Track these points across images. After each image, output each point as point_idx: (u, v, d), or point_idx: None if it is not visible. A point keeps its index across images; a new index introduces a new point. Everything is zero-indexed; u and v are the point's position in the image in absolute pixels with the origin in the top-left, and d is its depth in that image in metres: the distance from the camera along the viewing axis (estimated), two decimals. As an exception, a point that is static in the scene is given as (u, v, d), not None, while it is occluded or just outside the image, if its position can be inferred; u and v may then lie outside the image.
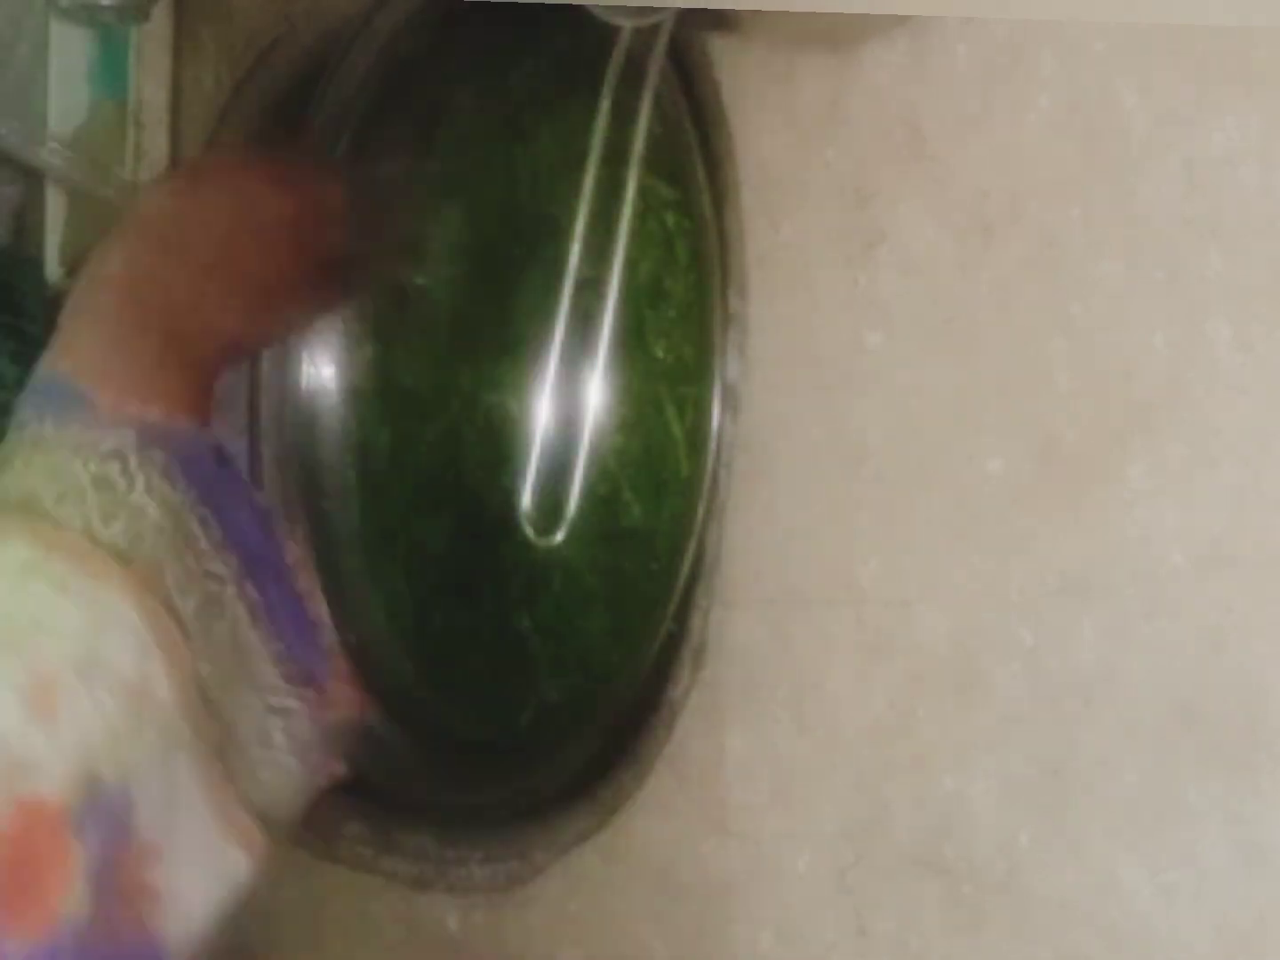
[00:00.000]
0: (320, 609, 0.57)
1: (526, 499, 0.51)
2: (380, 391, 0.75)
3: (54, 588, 0.49)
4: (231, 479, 0.55)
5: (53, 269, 0.83)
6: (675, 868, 0.58)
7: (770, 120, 0.53)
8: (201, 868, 0.51)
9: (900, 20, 0.49)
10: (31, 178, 0.87)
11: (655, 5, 0.51)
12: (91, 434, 0.52)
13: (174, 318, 0.56)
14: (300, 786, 0.55)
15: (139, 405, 0.53)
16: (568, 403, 0.52)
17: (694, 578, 0.56)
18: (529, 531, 0.51)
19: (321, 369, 0.75)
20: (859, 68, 0.50)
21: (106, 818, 0.47)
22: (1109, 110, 0.44)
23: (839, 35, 0.50)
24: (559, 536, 0.51)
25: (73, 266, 0.83)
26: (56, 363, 0.54)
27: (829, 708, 0.52)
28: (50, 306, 0.85)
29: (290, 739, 0.54)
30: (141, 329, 0.55)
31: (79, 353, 0.54)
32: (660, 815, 0.58)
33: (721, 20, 0.54)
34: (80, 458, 0.52)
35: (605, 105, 0.52)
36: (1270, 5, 0.36)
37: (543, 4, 0.53)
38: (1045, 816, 0.46)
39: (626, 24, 0.52)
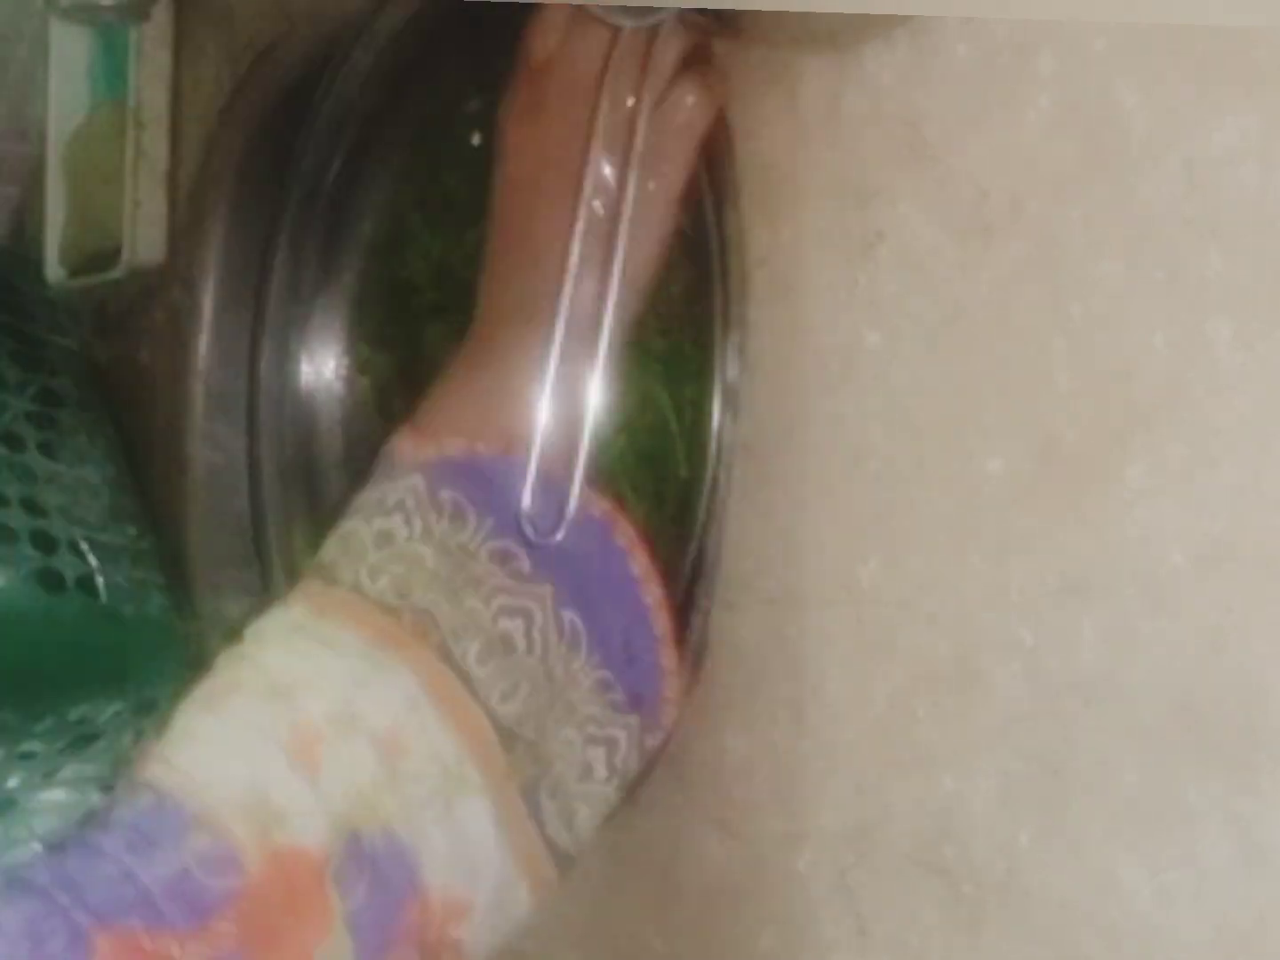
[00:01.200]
0: (666, 624, 0.53)
1: (527, 499, 0.51)
2: (381, 393, 0.75)
3: (320, 644, 0.48)
4: (550, 496, 0.52)
5: (53, 269, 0.83)
6: (675, 868, 0.58)
7: (770, 120, 0.53)
8: (498, 913, 0.50)
9: (900, 20, 0.49)
10: (32, 178, 0.87)
11: (655, 5, 0.51)
12: (380, 490, 0.52)
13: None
14: (608, 815, 0.53)
15: (435, 445, 0.52)
16: (568, 402, 0.52)
17: (694, 578, 0.56)
18: (529, 531, 0.51)
19: (321, 370, 0.75)
20: (859, 68, 0.50)
21: (372, 869, 0.46)
22: (1109, 110, 0.44)
23: (839, 35, 0.50)
24: (559, 536, 0.51)
25: (73, 267, 0.83)
26: (406, 424, 0.54)
27: (829, 708, 0.52)
28: (50, 306, 0.85)
29: (612, 770, 0.52)
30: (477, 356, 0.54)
31: (420, 410, 0.54)
32: (660, 815, 0.58)
33: (721, 20, 0.54)
34: (366, 518, 0.51)
35: (605, 105, 0.52)
36: (1270, 5, 0.36)
37: (543, 4, 0.53)
38: (1045, 816, 0.46)
39: (626, 24, 0.52)
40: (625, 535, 0.53)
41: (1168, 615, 0.43)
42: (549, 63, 0.53)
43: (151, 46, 0.78)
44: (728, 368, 0.54)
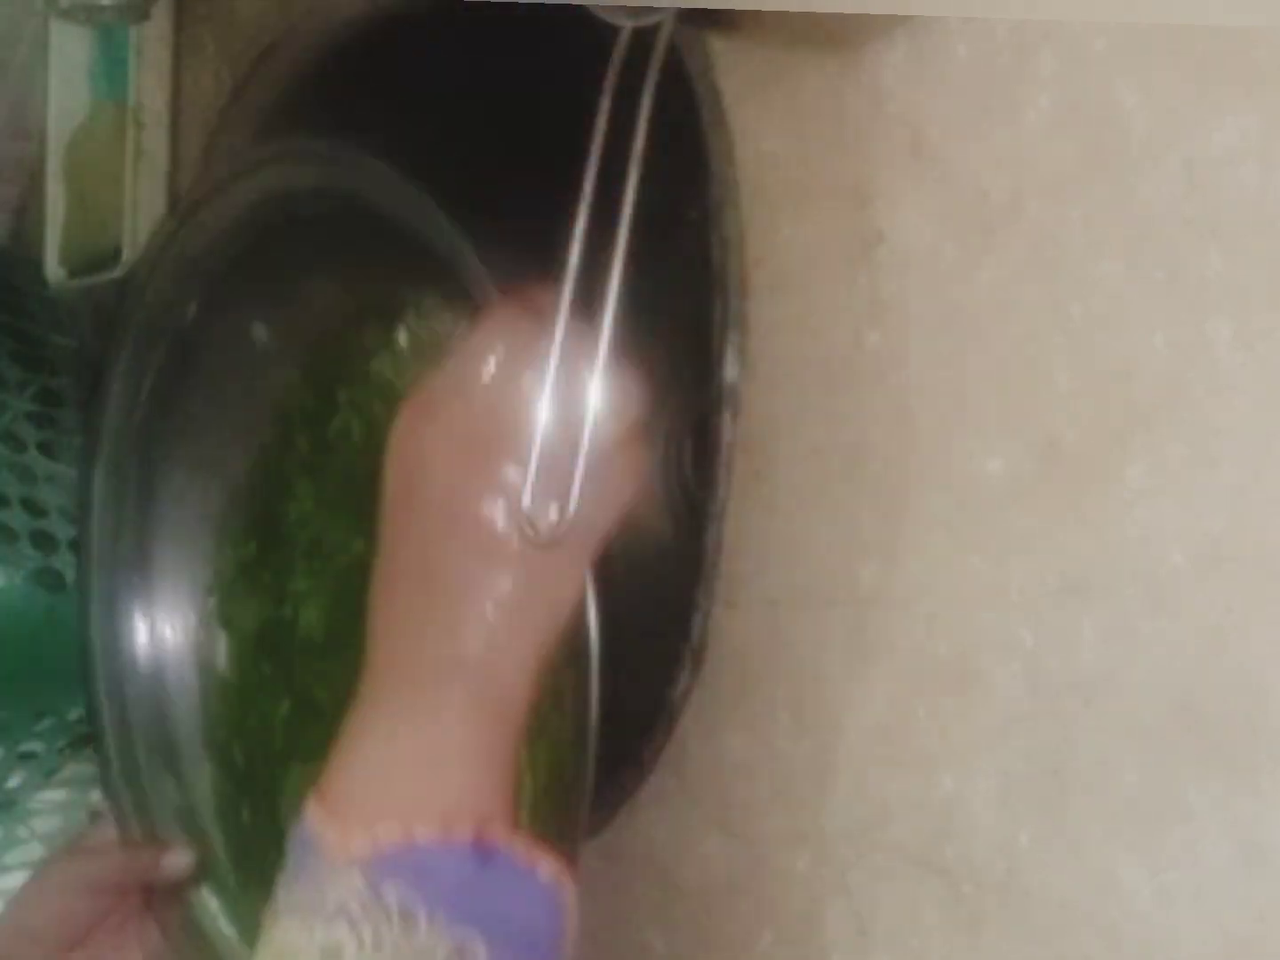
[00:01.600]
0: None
1: (527, 498, 0.51)
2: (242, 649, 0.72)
3: None
4: (498, 871, 0.48)
5: (53, 269, 0.83)
6: (675, 868, 0.58)
7: (770, 120, 0.53)
8: None
9: (900, 20, 0.49)
10: (32, 178, 0.87)
11: (655, 5, 0.51)
12: (316, 893, 0.48)
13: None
14: None
15: (367, 835, 0.48)
16: (568, 403, 0.52)
17: (694, 578, 0.56)
18: (530, 533, 0.51)
19: (166, 626, 0.72)
20: (859, 68, 0.50)
21: None
22: (1109, 110, 0.44)
23: (839, 35, 0.50)
24: (561, 532, 0.51)
25: (73, 267, 0.83)
26: (312, 797, 0.49)
27: (829, 708, 0.52)
28: (50, 306, 0.85)
29: None
30: (401, 717, 0.50)
31: (328, 781, 0.50)
32: (660, 815, 0.58)
33: (722, 20, 0.54)
34: (307, 928, 0.47)
35: (605, 105, 0.52)
36: (1270, 5, 0.36)
37: (542, 3, 0.53)
38: (1045, 816, 0.46)
39: (627, 24, 0.52)
40: (564, 880, 0.50)
41: (1168, 615, 0.43)
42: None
43: (151, 46, 0.78)
44: (727, 368, 0.54)
